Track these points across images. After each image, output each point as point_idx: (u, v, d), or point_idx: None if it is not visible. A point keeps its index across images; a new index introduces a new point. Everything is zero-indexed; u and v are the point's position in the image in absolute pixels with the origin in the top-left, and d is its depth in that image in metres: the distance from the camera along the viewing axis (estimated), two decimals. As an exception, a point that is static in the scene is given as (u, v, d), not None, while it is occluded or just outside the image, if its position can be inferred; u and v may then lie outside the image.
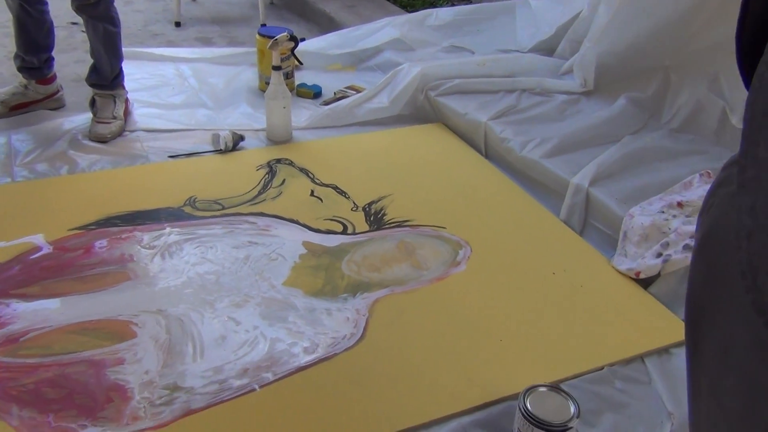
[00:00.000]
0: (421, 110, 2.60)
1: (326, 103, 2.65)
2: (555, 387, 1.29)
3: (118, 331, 1.53)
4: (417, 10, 3.36)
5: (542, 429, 1.21)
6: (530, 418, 1.22)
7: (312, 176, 2.17)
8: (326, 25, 3.50)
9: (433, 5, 3.48)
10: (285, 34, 2.34)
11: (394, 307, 1.64)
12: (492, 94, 2.54)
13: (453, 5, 3.50)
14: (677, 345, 1.55)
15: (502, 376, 1.45)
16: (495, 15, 3.22)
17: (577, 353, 1.52)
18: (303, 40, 2.35)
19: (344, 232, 1.91)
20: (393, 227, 1.95)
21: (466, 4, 3.51)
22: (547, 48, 2.92)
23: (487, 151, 2.37)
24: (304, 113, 2.58)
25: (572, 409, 1.24)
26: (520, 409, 1.24)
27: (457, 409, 1.37)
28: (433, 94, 2.56)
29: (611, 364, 1.50)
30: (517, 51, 2.94)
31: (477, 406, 1.38)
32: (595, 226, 1.95)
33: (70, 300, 1.61)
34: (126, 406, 1.34)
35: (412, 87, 2.57)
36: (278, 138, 2.39)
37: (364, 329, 1.57)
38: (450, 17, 3.18)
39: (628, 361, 1.52)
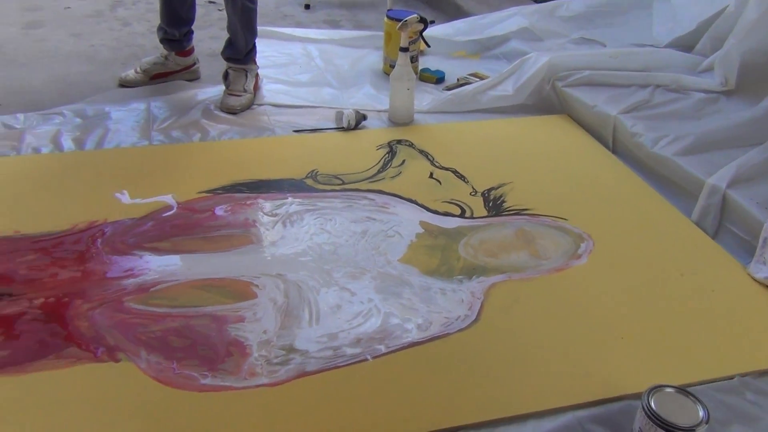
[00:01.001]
0: (546, 101, 2.53)
1: (449, 89, 2.63)
2: (683, 389, 1.21)
3: (240, 290, 1.58)
4: (547, 1, 3.27)
5: (667, 430, 1.14)
6: (655, 417, 1.15)
7: (432, 159, 2.16)
8: (453, 13, 3.48)
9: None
10: (415, 15, 2.34)
11: (510, 293, 1.61)
12: (623, 88, 2.43)
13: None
14: (819, 362, 1.42)
15: (623, 373, 1.39)
16: (629, 8, 3.08)
17: (705, 359, 1.43)
18: (433, 22, 2.34)
19: (462, 215, 1.89)
20: (512, 215, 1.90)
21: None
22: (686, 44, 2.76)
23: (615, 145, 2.28)
24: (426, 97, 2.57)
25: (701, 413, 1.16)
26: (643, 407, 1.18)
27: (573, 402, 1.32)
28: (561, 85, 2.48)
29: (743, 375, 1.40)
30: (652, 46, 2.80)
31: (594, 401, 1.33)
32: (731, 230, 1.83)
33: (197, 257, 1.68)
34: (244, 361, 1.39)
35: (539, 76, 2.50)
36: (400, 119, 2.39)
37: (479, 312, 1.54)
38: (582, 8, 3.07)
39: (761, 374, 1.41)
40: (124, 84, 2.59)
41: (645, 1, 3.10)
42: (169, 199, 1.90)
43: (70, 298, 1.52)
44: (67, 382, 1.32)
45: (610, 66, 2.52)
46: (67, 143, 2.19)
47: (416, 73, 2.73)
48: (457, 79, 2.73)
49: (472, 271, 1.67)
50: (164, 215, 1.83)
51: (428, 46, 2.54)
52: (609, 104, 2.32)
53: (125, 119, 2.34)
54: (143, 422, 1.25)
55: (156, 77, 2.61)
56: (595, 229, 1.85)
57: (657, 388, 1.21)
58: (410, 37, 2.46)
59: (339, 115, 2.34)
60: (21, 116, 2.31)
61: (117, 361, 1.37)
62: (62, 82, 2.64)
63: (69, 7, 3.42)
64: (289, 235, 1.78)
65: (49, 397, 1.29)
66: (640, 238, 1.83)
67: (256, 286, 1.59)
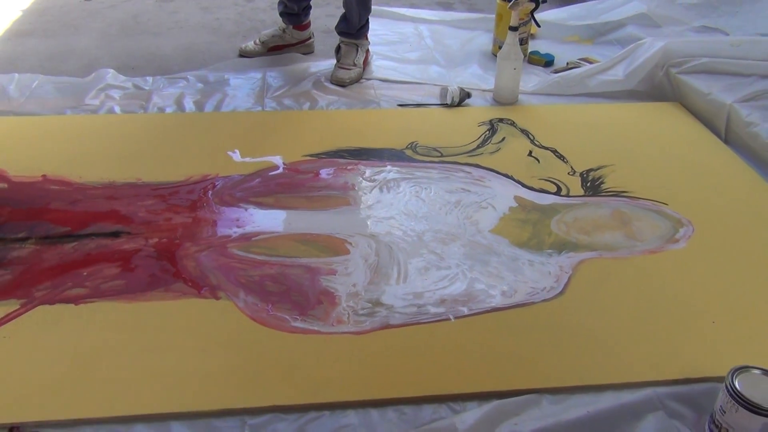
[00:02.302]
0: (658, 88, 2.45)
1: (557, 72, 2.60)
2: (771, 372, 1.17)
3: (334, 246, 1.66)
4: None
5: (751, 410, 1.11)
6: (738, 396, 1.12)
7: (532, 137, 2.16)
8: (568, -1, 3.42)
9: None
10: (526, -6, 2.33)
11: (600, 269, 1.60)
12: (743, 77, 2.32)
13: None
14: None
15: (710, 356, 1.36)
16: (760, -3, 2.92)
17: (803, 351, 1.37)
18: (545, 1, 2.33)
19: (558, 193, 1.88)
20: (610, 196, 1.88)
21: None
22: (819, 35, 2.59)
23: (728, 135, 2.18)
24: (533, 79, 2.56)
25: (788, 398, 1.12)
26: (727, 386, 1.15)
27: (654, 378, 1.31)
28: (675, 71, 2.40)
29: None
30: (781, 36, 2.65)
31: (676, 380, 1.31)
32: None
33: (297, 214, 1.78)
34: (333, 309, 1.46)
35: (652, 62, 2.43)
36: (504, 99, 2.40)
37: (566, 285, 1.55)
38: (706, -5, 2.94)
39: None
40: (244, 54, 2.74)
41: (777, -10, 2.93)
42: (276, 159, 2.01)
43: (180, 240, 1.66)
44: (172, 312, 1.45)
45: (730, 54, 2.41)
46: (189, 105, 2.36)
47: (525, 56, 2.72)
48: (567, 63, 2.69)
49: (563, 246, 1.67)
50: (271, 174, 1.94)
51: (538, 26, 2.52)
52: (725, 92, 2.23)
53: (242, 86, 2.49)
54: (236, 354, 1.35)
55: (273, 49, 2.74)
56: (697, 216, 1.79)
57: (743, 369, 1.17)
58: (521, 18, 2.46)
59: (443, 92, 2.38)
60: (150, 79, 2.51)
61: (218, 298, 1.49)
62: (189, 50, 2.83)
63: (199, -16, 3.64)
64: (385, 199, 1.84)
65: (155, 324, 1.42)
66: (746, 227, 1.76)
67: (350, 243, 1.66)
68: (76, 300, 1.47)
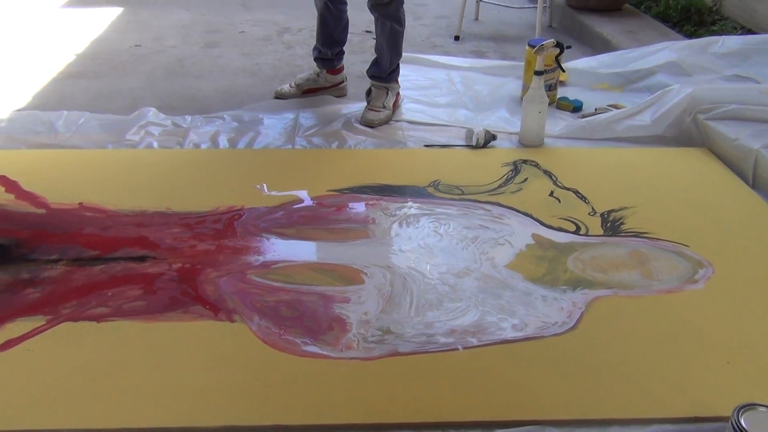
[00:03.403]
0: (685, 133, 2.45)
1: (584, 117, 2.63)
2: (778, 409, 1.15)
3: (350, 276, 1.69)
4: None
5: (753, 446, 1.09)
6: (741, 432, 1.10)
7: (555, 178, 2.18)
8: (601, 48, 3.46)
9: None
10: (551, 40, 2.38)
11: (614, 307, 1.59)
12: (772, 124, 2.31)
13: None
14: None
15: (722, 396, 1.33)
16: (794, 47, 2.91)
17: (819, 394, 1.33)
18: (569, 47, 2.37)
19: (576, 232, 1.89)
20: (629, 236, 1.87)
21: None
22: None
23: (755, 180, 2.16)
24: (560, 123, 2.59)
25: (795, 436, 1.10)
26: (732, 423, 1.14)
27: (661, 415, 1.29)
28: (703, 117, 2.40)
29: None
30: (813, 85, 2.63)
31: (684, 418, 1.28)
32: None
33: (317, 244, 1.83)
34: (343, 335, 1.49)
35: (680, 108, 2.44)
36: (530, 142, 2.43)
37: (578, 321, 1.54)
38: (738, 45, 2.95)
39: None
40: (279, 96, 2.85)
41: (812, 41, 2.92)
42: (302, 193, 2.07)
43: (202, 266, 1.71)
44: (188, 332, 1.50)
45: (760, 102, 2.40)
46: (223, 142, 2.45)
47: (554, 101, 2.76)
48: (596, 109, 2.72)
49: (578, 284, 1.67)
50: (295, 207, 2.00)
51: (563, 70, 2.56)
52: (752, 138, 2.22)
53: (275, 125, 2.58)
54: (246, 374, 1.39)
55: (307, 92, 2.84)
56: (719, 258, 1.77)
57: (749, 407, 1.15)
58: (548, 66, 2.51)
59: (469, 133, 2.43)
60: (189, 118, 2.62)
61: (233, 321, 1.53)
62: (228, 92, 2.96)
63: (243, 32, 3.81)
64: (404, 233, 1.87)
65: (171, 343, 1.46)
66: (766, 270, 1.73)
67: (365, 274, 1.70)
68: (98, 318, 1.53)
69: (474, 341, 1.48)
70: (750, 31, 3.54)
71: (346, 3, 2.73)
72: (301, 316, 1.55)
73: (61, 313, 1.54)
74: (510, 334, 1.50)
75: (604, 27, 3.64)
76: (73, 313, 1.55)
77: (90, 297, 1.60)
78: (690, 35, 3.52)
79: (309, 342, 1.47)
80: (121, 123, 2.56)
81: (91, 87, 3.00)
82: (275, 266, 1.73)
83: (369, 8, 2.59)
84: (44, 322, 1.51)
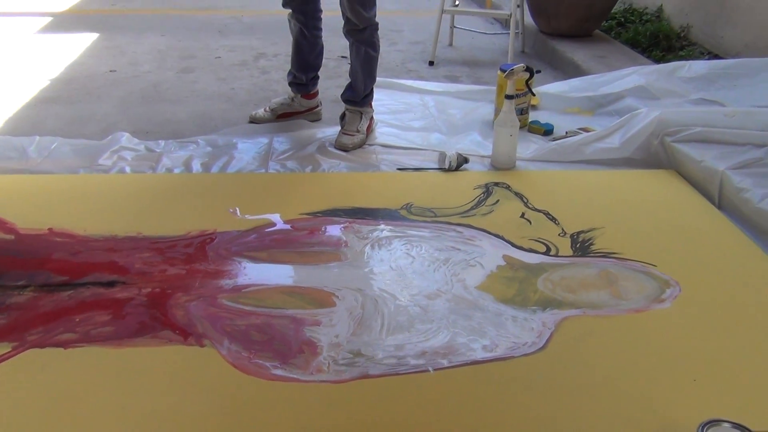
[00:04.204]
0: (653, 156, 2.50)
1: (555, 140, 2.67)
2: (740, 425, 1.16)
3: (321, 299, 1.69)
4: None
5: (717, 463, 1.10)
6: (705, 448, 1.11)
7: (526, 200, 2.20)
8: (573, 73, 3.52)
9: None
10: (521, 65, 2.43)
11: (583, 327, 1.60)
12: (737, 146, 2.35)
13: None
14: None
15: (690, 413, 1.34)
16: (758, 71, 2.98)
17: (784, 411, 1.35)
18: (539, 72, 2.42)
19: (547, 252, 1.91)
20: (598, 257, 1.90)
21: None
22: (815, 108, 2.63)
23: (721, 201, 2.20)
24: (531, 146, 2.62)
25: (758, 451, 1.11)
26: (696, 440, 1.15)
27: (629, 433, 1.30)
28: (670, 140, 2.45)
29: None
30: (776, 107, 2.70)
31: (652, 435, 1.29)
32: (838, 291, 1.72)
33: (289, 268, 1.83)
34: (314, 359, 1.48)
35: (647, 131, 2.48)
36: (502, 164, 2.46)
37: (547, 341, 1.55)
38: (704, 70, 3.02)
39: None
40: (254, 120, 2.86)
41: (776, 64, 3.00)
42: (275, 217, 2.07)
43: (172, 291, 1.70)
44: (157, 357, 1.48)
45: (725, 124, 2.45)
46: (196, 167, 2.45)
47: (525, 125, 2.80)
48: (566, 132, 2.76)
49: (547, 304, 1.69)
50: (267, 230, 2.00)
51: (533, 95, 2.60)
52: (718, 160, 2.26)
53: (249, 150, 2.59)
54: (215, 399, 1.37)
55: (282, 116, 2.86)
56: (686, 278, 1.80)
57: (713, 423, 1.17)
58: (518, 89, 2.55)
59: (442, 157, 2.45)
60: (162, 142, 2.62)
61: (202, 346, 1.52)
62: (202, 117, 2.96)
63: (219, 57, 3.83)
64: (376, 256, 1.88)
65: (139, 368, 1.45)
66: (735, 290, 1.76)
67: (337, 296, 1.70)
68: (65, 344, 1.51)
69: (445, 362, 1.48)
70: (716, 56, 3.63)
71: (321, 29, 2.76)
72: (271, 340, 1.54)
73: (27, 339, 1.52)
74: (480, 355, 1.51)
75: (575, 52, 3.71)
76: (40, 339, 1.52)
77: (57, 323, 1.58)
78: (658, 60, 3.60)
79: (279, 365, 1.46)
80: (93, 148, 2.55)
81: (64, 112, 2.99)
82: (246, 290, 1.72)
83: (344, 34, 2.62)
84: (9, 349, 1.49)
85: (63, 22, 4.53)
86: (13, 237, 1.93)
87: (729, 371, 1.47)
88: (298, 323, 1.60)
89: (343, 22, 2.58)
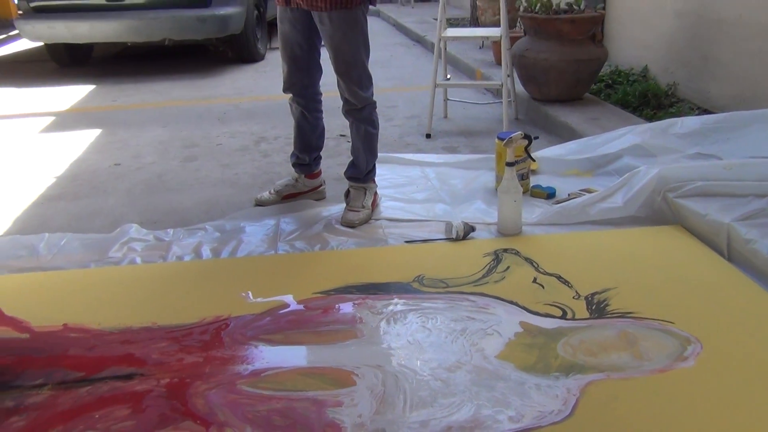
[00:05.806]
0: (658, 213, 2.52)
1: (558, 203, 2.70)
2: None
3: (341, 378, 1.67)
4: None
5: None
6: None
7: (536, 265, 2.21)
8: (568, 136, 3.59)
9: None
10: (519, 133, 2.48)
11: (608, 391, 1.59)
12: (739, 198, 2.39)
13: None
14: None
15: (726, 473, 1.31)
16: (749, 123, 3.04)
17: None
18: (536, 138, 2.47)
19: (563, 317, 1.90)
20: (615, 317, 1.89)
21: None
22: (810, 155, 2.68)
23: (730, 254, 2.21)
24: (536, 211, 2.65)
25: None
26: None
27: (668, 498, 1.26)
28: (672, 196, 2.48)
29: None
30: (773, 157, 2.74)
31: (692, 499, 1.26)
32: None
33: (305, 349, 1.82)
34: (338, 441, 1.46)
35: (649, 188, 2.52)
36: (508, 231, 2.48)
37: (574, 408, 1.53)
38: (697, 126, 3.08)
39: None
40: (260, 203, 2.90)
41: (766, 116, 3.06)
42: (287, 298, 2.07)
43: (191, 380, 1.69)
44: (180, 450, 1.46)
45: (724, 177, 2.49)
46: (206, 253, 2.47)
47: (527, 190, 2.84)
48: (568, 195, 2.79)
49: (570, 369, 1.67)
50: (281, 312, 2.00)
51: (533, 160, 2.65)
52: (722, 212, 2.29)
53: (257, 232, 2.61)
54: (241, 490, 1.34)
55: (287, 197, 2.90)
56: (705, 334, 1.79)
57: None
58: (518, 157, 2.60)
59: (448, 227, 2.47)
60: (171, 231, 2.65)
61: (225, 435, 1.50)
62: (208, 203, 3.00)
63: (221, 144, 3.91)
64: (392, 331, 1.87)
65: (163, 462, 1.42)
66: (755, 344, 1.75)
67: (356, 375, 1.68)
68: (86, 443, 1.49)
69: (472, 436, 1.46)
70: (705, 111, 3.72)
71: (321, 111, 2.83)
72: (294, 424, 1.52)
73: (46, 440, 1.50)
74: (507, 427, 1.48)
75: (567, 116, 3.80)
76: (60, 439, 1.50)
77: (77, 421, 1.56)
78: (650, 118, 3.68)
79: (304, 451, 1.44)
80: (103, 241, 2.57)
81: (71, 208, 3.02)
82: (265, 374, 1.71)
83: (343, 114, 2.69)
84: (29, 452, 1.47)
85: (65, 121, 4.64)
86: (28, 335, 1.92)
87: (759, 429, 1.44)
88: (319, 405, 1.58)
89: (341, 102, 2.65)
